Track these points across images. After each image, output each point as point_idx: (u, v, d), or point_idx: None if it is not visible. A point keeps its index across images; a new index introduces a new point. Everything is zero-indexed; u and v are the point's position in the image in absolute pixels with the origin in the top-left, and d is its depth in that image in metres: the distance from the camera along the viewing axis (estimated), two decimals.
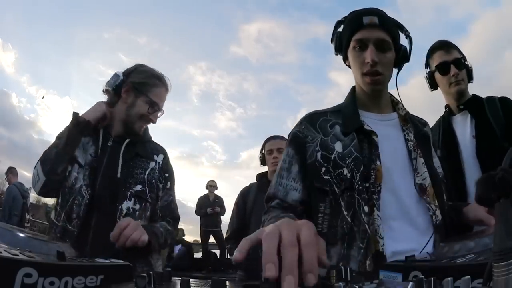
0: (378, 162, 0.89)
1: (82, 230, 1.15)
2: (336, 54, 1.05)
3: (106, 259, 0.67)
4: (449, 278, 0.45)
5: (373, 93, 0.99)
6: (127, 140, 1.28)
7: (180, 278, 0.57)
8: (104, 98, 1.35)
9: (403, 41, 1.01)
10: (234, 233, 2.26)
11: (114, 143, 1.28)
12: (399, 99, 1.05)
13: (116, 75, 1.29)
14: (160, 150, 1.39)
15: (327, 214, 0.90)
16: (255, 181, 2.36)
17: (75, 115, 1.21)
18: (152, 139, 1.42)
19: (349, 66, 1.04)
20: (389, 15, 0.98)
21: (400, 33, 0.99)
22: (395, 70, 1.01)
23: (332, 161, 0.92)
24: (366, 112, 1.00)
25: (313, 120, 1.00)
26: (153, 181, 1.30)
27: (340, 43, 1.02)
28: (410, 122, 1.00)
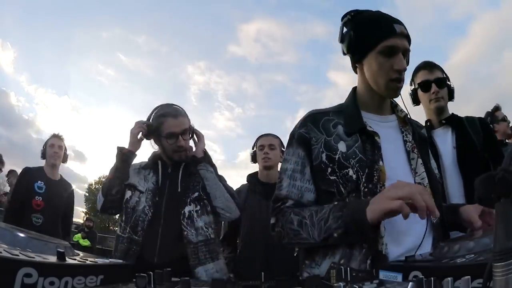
0: (380, 163, 0.91)
1: (149, 240, 1.42)
2: (345, 54, 1.04)
3: (106, 259, 0.67)
4: (449, 278, 0.45)
5: (388, 98, 1.02)
6: (183, 165, 1.58)
7: (180, 278, 0.57)
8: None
9: None
10: (226, 236, 2.25)
11: (172, 171, 1.58)
12: (401, 101, 1.06)
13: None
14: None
15: None
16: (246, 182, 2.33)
17: (120, 149, 1.54)
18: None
19: (354, 68, 1.04)
20: None
21: None
22: None
23: (336, 162, 0.93)
24: (367, 113, 1.01)
25: (316, 120, 1.00)
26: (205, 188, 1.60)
27: (356, 45, 0.99)
28: (409, 124, 1.03)
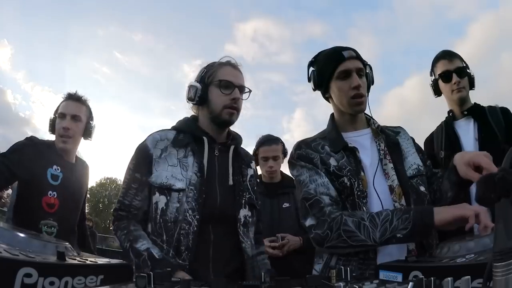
0: (362, 173, 1.07)
1: (200, 261, 1.08)
2: (315, 90, 1.22)
3: (106, 259, 0.67)
4: (449, 278, 0.45)
5: (356, 114, 1.16)
6: (233, 147, 1.23)
7: (180, 278, 0.57)
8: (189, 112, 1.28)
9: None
10: None
11: (220, 152, 1.21)
12: (371, 115, 1.22)
13: (192, 86, 1.20)
14: (252, 157, 1.38)
15: None
16: None
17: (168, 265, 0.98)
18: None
19: (327, 98, 1.22)
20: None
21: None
22: None
23: (332, 173, 1.08)
24: (345, 133, 1.17)
25: (308, 144, 1.17)
26: (255, 188, 1.29)
27: (320, 79, 1.17)
28: (381, 134, 1.17)
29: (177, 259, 1.04)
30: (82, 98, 1.71)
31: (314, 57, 1.21)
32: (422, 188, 1.10)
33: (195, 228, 1.06)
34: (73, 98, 1.69)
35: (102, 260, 0.66)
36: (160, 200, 1.10)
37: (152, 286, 0.55)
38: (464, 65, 1.67)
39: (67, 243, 0.76)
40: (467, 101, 1.69)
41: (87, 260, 0.64)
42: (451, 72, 1.65)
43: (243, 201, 1.18)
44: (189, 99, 1.21)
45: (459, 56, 1.69)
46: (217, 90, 1.17)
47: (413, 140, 1.24)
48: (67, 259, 0.58)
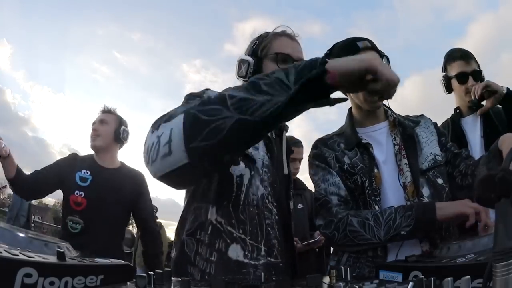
0: (375, 170, 1.07)
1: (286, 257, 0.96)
2: None
3: (106, 259, 0.67)
4: (449, 278, 0.45)
5: (372, 109, 1.14)
6: (285, 133, 1.12)
7: (180, 278, 0.57)
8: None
9: None
10: None
11: (276, 136, 1.08)
12: (389, 106, 1.20)
13: (243, 61, 1.04)
14: None
15: None
16: None
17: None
18: None
19: (344, 92, 1.17)
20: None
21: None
22: None
23: (346, 171, 1.09)
24: (361, 128, 1.17)
25: (324, 142, 1.18)
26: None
27: None
28: (398, 126, 1.15)
29: (270, 258, 0.87)
30: (111, 109, 2.05)
31: (329, 49, 1.19)
32: (440, 181, 1.08)
33: (277, 218, 0.93)
34: (103, 111, 2.03)
35: (102, 260, 0.66)
36: (245, 173, 0.88)
37: (152, 286, 0.55)
38: (479, 69, 1.71)
39: (67, 243, 0.75)
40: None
41: (87, 260, 0.64)
42: (467, 74, 1.69)
43: (291, 193, 1.12)
44: (240, 75, 1.04)
45: (475, 58, 1.72)
46: (273, 64, 1.01)
47: (435, 125, 1.22)
48: (67, 259, 0.58)
